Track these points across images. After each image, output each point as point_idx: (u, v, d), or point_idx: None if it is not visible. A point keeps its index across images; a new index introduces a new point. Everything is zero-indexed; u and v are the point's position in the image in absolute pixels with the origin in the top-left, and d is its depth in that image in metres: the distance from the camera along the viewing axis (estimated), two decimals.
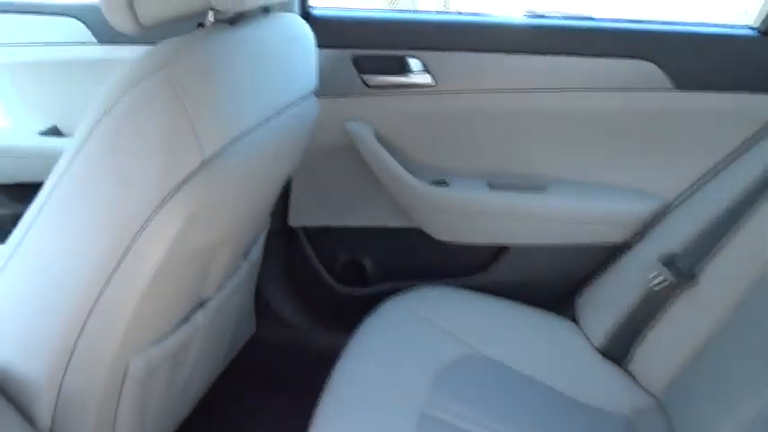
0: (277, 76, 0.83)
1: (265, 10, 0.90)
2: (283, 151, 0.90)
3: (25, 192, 1.57)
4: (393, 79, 1.18)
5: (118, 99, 0.65)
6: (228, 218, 0.79)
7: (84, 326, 0.71)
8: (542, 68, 1.15)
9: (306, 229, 1.36)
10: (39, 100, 1.41)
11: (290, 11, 1.08)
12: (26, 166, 1.36)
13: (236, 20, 0.79)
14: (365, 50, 1.18)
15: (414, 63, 1.17)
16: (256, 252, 1.11)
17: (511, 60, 1.15)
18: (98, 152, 0.66)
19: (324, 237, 1.37)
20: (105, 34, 1.34)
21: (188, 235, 0.70)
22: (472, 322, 1.09)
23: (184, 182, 0.66)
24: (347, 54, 1.18)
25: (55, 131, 1.41)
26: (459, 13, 1.21)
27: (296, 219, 1.34)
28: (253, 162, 0.78)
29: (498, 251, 1.29)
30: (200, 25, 0.75)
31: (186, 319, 0.88)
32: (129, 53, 1.31)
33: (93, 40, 1.35)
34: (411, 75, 1.18)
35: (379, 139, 1.21)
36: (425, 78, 1.17)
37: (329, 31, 1.15)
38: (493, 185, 1.21)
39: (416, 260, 1.34)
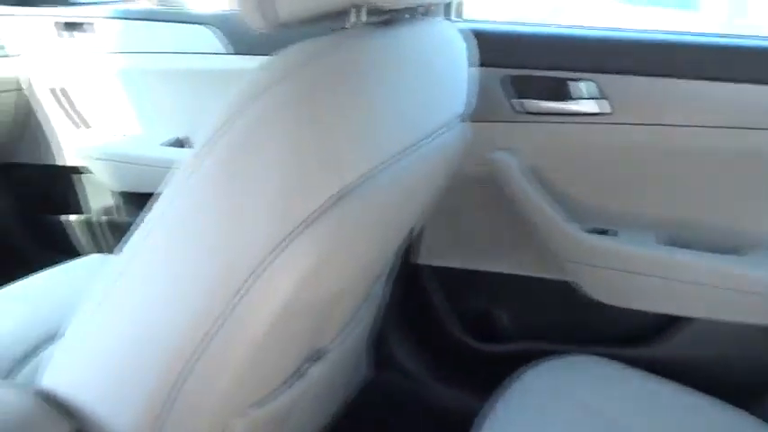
0: (428, 93, 0.68)
1: (417, 12, 0.76)
2: (425, 184, 0.74)
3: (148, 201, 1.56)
4: (552, 105, 1.00)
5: (241, 111, 0.52)
6: (361, 258, 0.64)
7: (180, 381, 0.59)
8: (751, 100, 0.92)
9: (434, 269, 1.21)
10: (169, 110, 1.38)
11: None
12: (148, 175, 1.32)
13: (387, 22, 0.65)
14: (519, 70, 1.01)
15: (581, 87, 0.98)
16: (380, 294, 0.97)
17: (710, 89, 0.93)
18: (214, 174, 0.53)
19: (454, 279, 1.20)
20: (241, 44, 1.27)
21: (316, 278, 0.55)
22: (637, 410, 0.87)
23: (317, 215, 0.52)
24: (495, 74, 1.01)
25: (179, 143, 1.36)
26: (647, 30, 1.01)
27: (424, 256, 1.19)
28: (393, 195, 0.63)
29: (671, 322, 1.06)
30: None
31: (297, 374, 0.74)
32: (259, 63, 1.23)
33: (229, 50, 1.29)
34: (576, 101, 0.99)
35: (529, 173, 1.03)
36: (596, 106, 0.98)
37: (476, 47, 1.00)
38: (672, 240, 0.99)
39: (564, 320, 1.14)
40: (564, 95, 0.99)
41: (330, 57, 0.54)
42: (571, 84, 0.98)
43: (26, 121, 1.53)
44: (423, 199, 0.78)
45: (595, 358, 0.99)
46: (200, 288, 0.55)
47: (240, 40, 1.27)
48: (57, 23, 1.42)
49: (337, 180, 0.52)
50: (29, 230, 1.67)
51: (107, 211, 1.57)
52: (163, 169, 1.32)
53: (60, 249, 1.61)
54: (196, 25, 1.30)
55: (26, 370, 0.82)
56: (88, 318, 0.60)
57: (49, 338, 0.83)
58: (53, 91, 1.47)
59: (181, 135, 1.37)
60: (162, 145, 1.35)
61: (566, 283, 1.08)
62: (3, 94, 1.47)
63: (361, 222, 0.57)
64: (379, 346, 1.21)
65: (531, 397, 0.89)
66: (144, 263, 0.57)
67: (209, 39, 1.28)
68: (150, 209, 0.58)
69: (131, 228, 0.60)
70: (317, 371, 0.77)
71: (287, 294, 0.54)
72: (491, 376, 0.97)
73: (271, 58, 0.55)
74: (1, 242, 1.67)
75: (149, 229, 0.57)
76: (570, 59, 0.98)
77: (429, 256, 1.19)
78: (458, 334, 1.23)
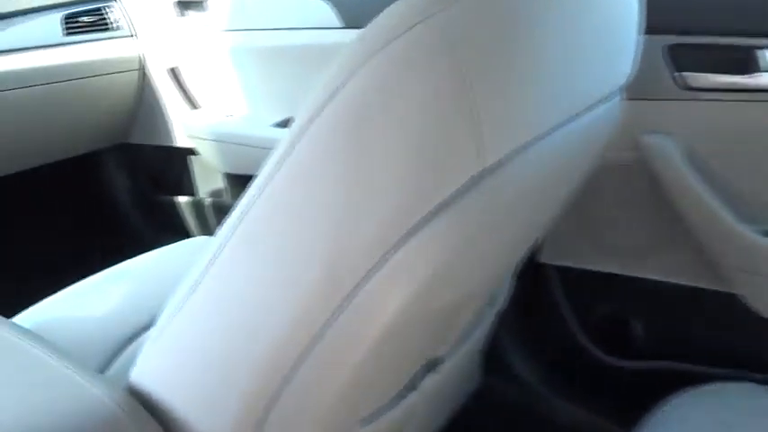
0: (592, 55, 0.54)
1: None
2: (569, 170, 0.61)
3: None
4: (728, 79, 0.82)
5: (357, 68, 0.42)
6: (494, 254, 0.53)
7: (277, 392, 0.50)
8: None
9: (560, 270, 1.06)
10: (280, 88, 1.32)
11: None
12: (256, 157, 1.27)
13: None
14: (687, 37, 0.84)
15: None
16: (502, 296, 0.84)
17: None
18: (316, 149, 0.44)
19: (583, 283, 1.06)
20: (353, 17, 1.18)
21: (443, 278, 0.45)
22: None
23: (449, 201, 0.41)
24: (656, 41, 0.85)
25: (290, 124, 1.30)
26: None
27: (550, 255, 1.05)
28: (535, 181, 0.51)
29: None
30: None
31: (410, 387, 0.64)
32: None
33: (341, 23, 1.20)
34: (760, 74, 0.80)
35: (689, 161, 0.87)
36: None
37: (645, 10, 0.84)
38: None
39: (721, 339, 0.96)
40: (744, 67, 0.80)
41: None
42: (756, 52, 0.79)
43: (142, 102, 1.54)
44: (565, 187, 0.65)
45: (764, 388, 0.81)
46: (299, 286, 0.45)
47: (352, 13, 1.18)
48: (175, 2, 1.41)
49: (480, 158, 0.41)
50: (141, 210, 1.70)
51: (215, 193, 1.56)
52: (256, 150, 1.27)
53: (172, 230, 1.62)
54: None
55: (128, 350, 0.78)
56: (179, 308, 0.53)
57: (149, 323, 0.80)
58: (168, 71, 1.47)
59: (292, 114, 1.31)
60: (272, 126, 1.30)
61: (728, 295, 0.90)
62: (125, 74, 1.49)
63: (498, 212, 0.46)
64: (493, 353, 1.09)
65: (688, 429, 0.74)
66: (235, 251, 0.49)
67: (324, 12, 1.20)
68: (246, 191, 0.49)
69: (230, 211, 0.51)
70: (430, 382, 0.66)
71: (407, 298, 0.43)
72: (622, 396, 0.83)
73: (396, 3, 0.44)
74: (114, 221, 1.71)
75: (242, 214, 0.48)
76: (756, 22, 0.79)
77: (556, 255, 1.05)
78: (584, 344, 1.08)
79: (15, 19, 1.30)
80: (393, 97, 0.41)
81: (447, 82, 0.40)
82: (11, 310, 0.82)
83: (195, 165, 1.57)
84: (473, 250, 0.46)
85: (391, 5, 0.43)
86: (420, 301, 0.44)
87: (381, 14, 0.43)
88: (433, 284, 0.44)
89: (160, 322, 0.56)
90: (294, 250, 0.45)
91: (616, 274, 1.02)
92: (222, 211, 1.54)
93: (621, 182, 0.94)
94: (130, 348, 0.75)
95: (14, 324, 0.70)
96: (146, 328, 0.78)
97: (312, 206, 0.44)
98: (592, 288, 1.06)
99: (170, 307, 0.55)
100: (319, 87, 0.43)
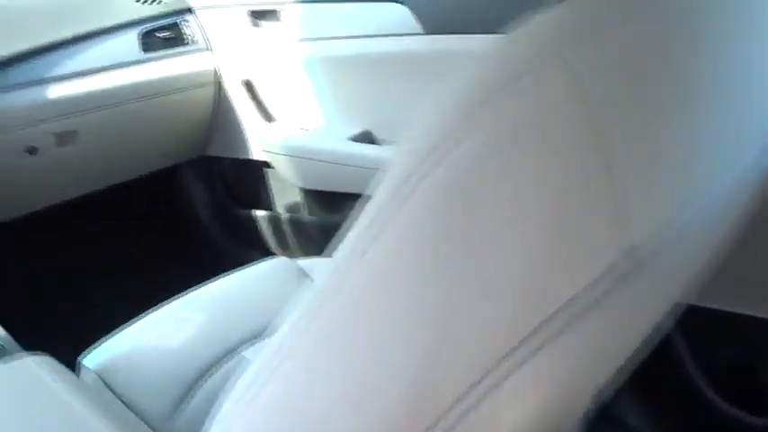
0: (750, 87, 0.41)
1: None
2: (728, 230, 0.48)
3: (335, 200, 1.47)
4: None
5: (463, 127, 0.31)
6: (635, 341, 0.41)
7: None
8: None
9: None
10: (355, 98, 1.24)
11: None
12: (332, 172, 1.20)
13: None
14: None
15: None
16: None
17: None
18: (410, 234, 0.33)
19: (705, 323, 0.90)
20: (434, 22, 1.08)
21: (561, 398, 0.34)
22: None
23: (589, 294, 0.30)
24: None
25: (367, 137, 1.22)
26: None
27: None
28: (688, 255, 0.39)
29: None
30: None
31: None
32: (459, 44, 1.03)
33: (421, 29, 1.10)
34: None
35: None
36: None
37: None
38: None
39: None
40: None
41: (617, 24, 0.31)
42: None
43: (219, 115, 1.52)
44: (722, 245, 0.51)
45: None
46: (369, 413, 0.35)
47: (432, 17, 1.08)
48: (248, 12, 1.36)
49: (625, 236, 0.29)
50: (219, 223, 1.68)
51: (292, 207, 1.50)
52: (350, 167, 1.19)
53: (250, 244, 1.59)
54: (385, 3, 1.13)
55: (204, 387, 0.74)
56: (243, 402, 0.44)
57: (225, 354, 0.78)
58: (243, 83, 1.43)
59: (369, 127, 1.23)
60: (348, 139, 1.22)
61: None
62: (202, 89, 1.47)
63: (643, 300, 0.34)
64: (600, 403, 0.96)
65: None
66: (298, 358, 0.39)
67: (403, 17, 1.11)
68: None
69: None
70: None
71: (531, 408, 0.33)
72: None
73: (520, 29, 0.33)
74: (194, 234, 1.70)
75: (312, 313, 0.37)
76: None
77: None
78: (706, 395, 0.93)
79: (94, 39, 1.30)
80: (515, 166, 0.30)
81: (580, 131, 0.29)
82: (93, 332, 0.82)
83: (272, 178, 1.53)
84: (614, 346, 0.35)
85: (508, 36, 0.32)
86: (529, 425, 0.34)
87: (494, 49, 0.32)
88: (548, 408, 0.33)
89: (244, 380, 0.48)
90: (366, 368, 0.34)
91: (745, 315, 0.87)
92: (298, 226, 1.49)
93: (755, 205, 0.79)
94: (206, 386, 0.71)
95: (67, 375, 0.66)
96: (224, 357, 0.78)
97: (394, 313, 0.33)
98: (716, 329, 0.90)
99: (232, 399, 0.46)
100: (407, 152, 0.33)
